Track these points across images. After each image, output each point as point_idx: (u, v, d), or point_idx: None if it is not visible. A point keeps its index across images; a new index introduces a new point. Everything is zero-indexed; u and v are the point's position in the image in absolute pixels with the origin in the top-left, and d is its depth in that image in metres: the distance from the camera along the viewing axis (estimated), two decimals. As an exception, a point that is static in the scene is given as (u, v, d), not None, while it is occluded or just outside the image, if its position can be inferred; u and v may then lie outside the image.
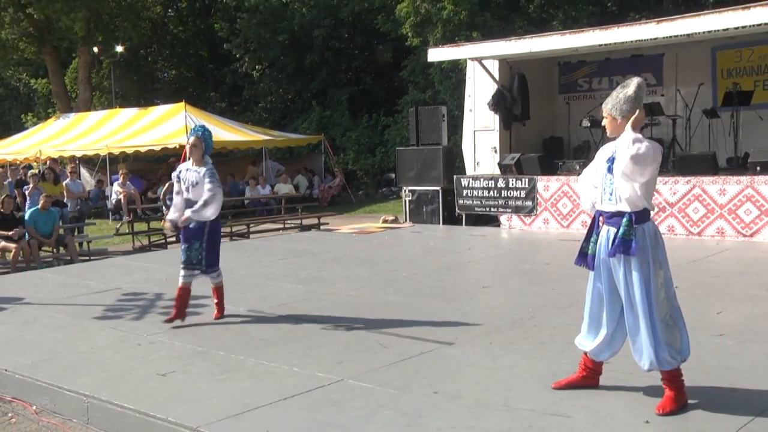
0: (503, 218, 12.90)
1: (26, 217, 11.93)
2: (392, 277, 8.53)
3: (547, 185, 12.25)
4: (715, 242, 10.30)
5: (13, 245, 11.32)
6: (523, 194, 12.53)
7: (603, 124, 4.24)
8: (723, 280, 7.73)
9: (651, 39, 11.13)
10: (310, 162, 24.14)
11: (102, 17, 27.64)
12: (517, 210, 12.64)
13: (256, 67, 29.62)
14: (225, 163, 23.04)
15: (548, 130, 14.89)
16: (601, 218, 4.21)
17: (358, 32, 27.16)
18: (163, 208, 15.79)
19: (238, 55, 29.30)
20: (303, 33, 25.98)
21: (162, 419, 4.22)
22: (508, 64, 13.78)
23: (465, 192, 13.30)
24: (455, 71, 18.86)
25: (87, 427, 4.60)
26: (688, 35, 10.84)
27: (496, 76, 13.65)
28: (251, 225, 14.78)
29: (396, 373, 4.87)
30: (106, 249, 13.79)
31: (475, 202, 13.21)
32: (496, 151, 13.75)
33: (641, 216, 4.05)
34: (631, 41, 11.37)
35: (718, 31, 10.55)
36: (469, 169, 14.12)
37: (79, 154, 21.28)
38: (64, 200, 14.92)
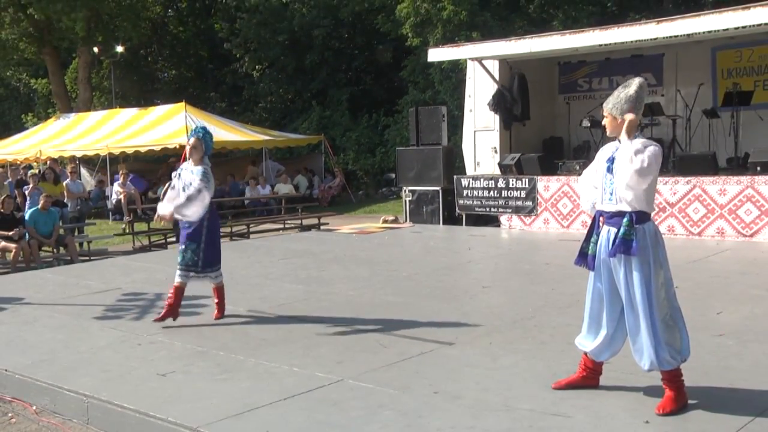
0: (503, 218, 12.90)
1: (26, 217, 11.93)
2: (392, 277, 8.53)
3: (547, 185, 12.25)
4: (716, 242, 10.30)
5: (13, 245, 11.32)
6: (523, 194, 12.53)
7: (603, 123, 4.24)
8: (723, 280, 7.73)
9: (651, 39, 11.13)
10: (310, 162, 24.14)
11: (102, 17, 27.64)
12: (517, 210, 12.64)
13: (256, 67, 29.63)
14: (225, 163, 23.06)
15: (548, 130, 14.89)
16: (601, 218, 4.21)
17: (358, 32, 27.17)
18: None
19: (238, 55, 29.31)
20: (303, 33, 25.98)
21: (162, 419, 4.22)
22: (508, 64, 13.78)
23: (465, 192, 13.30)
24: (455, 71, 18.86)
25: (87, 427, 4.60)
26: (688, 35, 10.84)
27: (496, 76, 13.65)
28: (251, 225, 14.78)
29: (396, 373, 4.87)
30: (106, 249, 13.79)
31: (475, 202, 13.21)
32: (496, 151, 13.75)
33: (642, 216, 4.05)
34: (631, 41, 11.37)
35: (718, 31, 10.55)
36: (469, 169, 14.12)
37: (79, 154, 21.29)
38: (64, 200, 14.93)
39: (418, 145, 14.22)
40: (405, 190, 14.23)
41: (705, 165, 11.08)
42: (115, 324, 6.60)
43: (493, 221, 13.19)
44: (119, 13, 28.16)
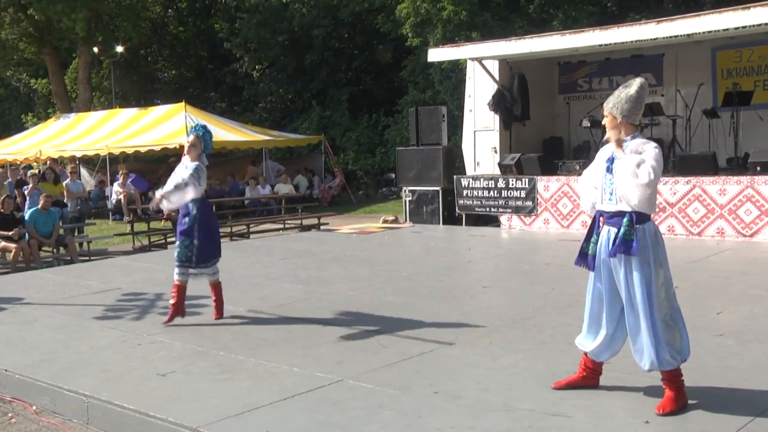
0: (503, 218, 12.90)
1: (26, 217, 11.93)
2: (392, 277, 8.53)
3: (547, 185, 12.25)
4: (715, 242, 10.30)
5: (13, 245, 11.32)
6: (523, 194, 12.53)
7: (603, 123, 4.24)
8: (723, 280, 7.73)
9: (651, 39, 11.13)
10: (310, 162, 24.14)
11: (102, 17, 27.65)
12: (517, 210, 12.64)
13: (256, 67, 29.64)
14: (225, 163, 23.07)
15: (548, 130, 14.89)
16: (601, 218, 4.21)
17: (358, 32, 27.17)
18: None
19: (238, 55, 29.32)
20: (303, 33, 25.99)
21: (162, 419, 4.22)
22: (508, 64, 13.78)
23: (465, 192, 13.30)
24: (455, 71, 18.86)
25: (87, 427, 4.60)
26: (688, 35, 10.84)
27: (496, 76, 13.65)
28: (251, 225, 14.78)
29: (396, 373, 4.87)
30: (106, 249, 13.79)
31: (475, 202, 13.21)
32: (496, 151, 13.75)
33: (642, 216, 4.05)
34: (631, 41, 11.36)
35: (718, 31, 10.54)
36: (469, 169, 14.12)
37: (79, 154, 21.29)
38: (64, 200, 14.92)
39: (418, 145, 14.22)
40: (405, 190, 14.23)
41: (705, 165, 11.08)
42: (115, 324, 6.60)
43: (493, 221, 13.19)
44: (119, 13, 28.17)
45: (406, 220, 14.10)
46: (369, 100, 26.55)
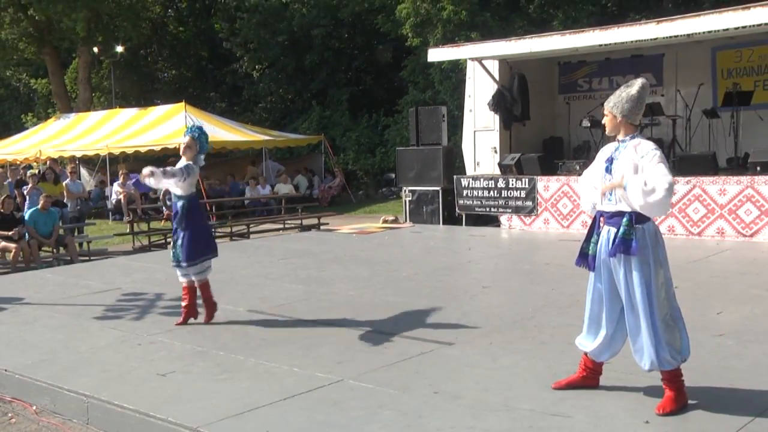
0: (503, 218, 12.90)
1: (26, 217, 11.93)
2: (392, 277, 8.53)
3: (547, 185, 12.25)
4: (715, 242, 10.30)
5: (13, 245, 11.32)
6: (523, 194, 12.53)
7: (603, 122, 4.25)
8: (723, 280, 7.73)
9: (651, 39, 11.13)
10: (310, 162, 24.14)
11: (102, 17, 27.65)
12: (517, 210, 12.64)
13: (256, 67, 29.64)
14: (225, 163, 23.06)
15: (548, 130, 14.89)
16: (601, 219, 4.21)
17: (358, 32, 27.17)
18: (163, 208, 15.81)
19: (238, 55, 29.31)
20: (303, 33, 25.99)
21: (162, 419, 4.22)
22: (508, 64, 13.78)
23: (465, 192, 13.30)
24: (455, 71, 18.86)
25: (87, 427, 4.60)
26: (688, 35, 10.84)
27: (496, 77, 13.65)
28: (251, 225, 14.78)
29: (396, 373, 4.87)
30: (106, 249, 13.79)
31: (475, 202, 13.21)
32: (496, 151, 13.75)
33: (642, 216, 4.06)
34: (631, 41, 11.37)
35: (718, 31, 10.55)
36: (469, 169, 14.12)
37: (79, 154, 21.28)
38: (64, 200, 14.93)
39: (418, 145, 14.22)
40: (405, 190, 14.23)
41: (705, 165, 11.08)
42: (115, 324, 6.60)
43: (493, 221, 13.19)
44: (119, 13, 28.17)
45: (406, 220, 14.10)
46: (369, 100, 26.55)
